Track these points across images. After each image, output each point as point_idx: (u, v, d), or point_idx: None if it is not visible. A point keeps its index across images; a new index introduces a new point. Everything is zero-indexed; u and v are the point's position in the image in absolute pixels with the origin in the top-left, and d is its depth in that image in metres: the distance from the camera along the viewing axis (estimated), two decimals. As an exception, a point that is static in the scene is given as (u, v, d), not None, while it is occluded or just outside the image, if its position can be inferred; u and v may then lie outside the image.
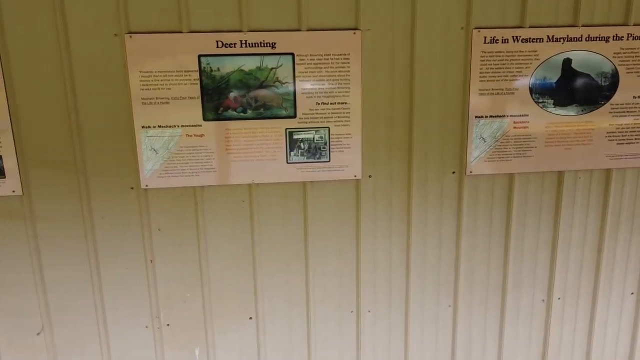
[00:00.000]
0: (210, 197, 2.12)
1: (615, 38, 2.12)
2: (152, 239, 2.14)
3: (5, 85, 1.91)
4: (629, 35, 2.12)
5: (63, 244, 2.10)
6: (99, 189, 2.06)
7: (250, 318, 2.28)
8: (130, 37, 1.92)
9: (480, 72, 2.09)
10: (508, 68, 2.10)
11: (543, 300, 2.41)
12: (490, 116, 2.15)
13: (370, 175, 2.17)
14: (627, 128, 2.23)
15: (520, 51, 2.09)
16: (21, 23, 1.86)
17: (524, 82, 2.13)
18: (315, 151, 2.11)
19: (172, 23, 1.94)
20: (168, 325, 2.24)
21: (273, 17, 1.97)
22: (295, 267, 2.24)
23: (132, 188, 2.07)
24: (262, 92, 2.02)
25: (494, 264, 2.34)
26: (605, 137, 2.23)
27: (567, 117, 2.19)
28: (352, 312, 2.32)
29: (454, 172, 2.20)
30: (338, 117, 2.08)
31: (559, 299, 2.41)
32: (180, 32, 1.94)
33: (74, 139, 1.99)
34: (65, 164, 2.02)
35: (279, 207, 2.16)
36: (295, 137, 2.09)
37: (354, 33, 2.01)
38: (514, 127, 2.17)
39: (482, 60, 2.09)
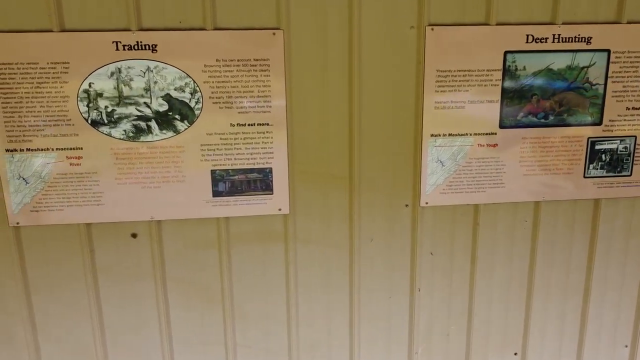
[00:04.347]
0: (489, 217, 1.83)
1: None
2: (422, 264, 1.84)
3: (285, 79, 1.61)
4: None
5: (320, 272, 1.80)
6: (371, 206, 1.76)
7: (515, 354, 1.98)
8: (432, 29, 1.63)
9: None
10: None
11: None
12: None
13: (667, 192, 1.88)
14: None
15: None
16: (310, 13, 1.58)
17: None
18: (617, 164, 1.82)
19: (478, 14, 1.65)
20: (425, 362, 1.95)
21: (590, 8, 1.68)
22: (572, 298, 1.95)
23: (406, 205, 1.78)
24: (568, 95, 1.73)
25: None
26: None
27: None
28: (626, 346, 2.03)
29: None
30: (647, 124, 1.79)
31: None
32: (487, 25, 1.65)
33: (353, 148, 1.70)
34: (338, 177, 1.72)
35: (564, 228, 1.87)
36: (597, 147, 1.79)
37: (680, 27, 1.72)
38: None
39: None
